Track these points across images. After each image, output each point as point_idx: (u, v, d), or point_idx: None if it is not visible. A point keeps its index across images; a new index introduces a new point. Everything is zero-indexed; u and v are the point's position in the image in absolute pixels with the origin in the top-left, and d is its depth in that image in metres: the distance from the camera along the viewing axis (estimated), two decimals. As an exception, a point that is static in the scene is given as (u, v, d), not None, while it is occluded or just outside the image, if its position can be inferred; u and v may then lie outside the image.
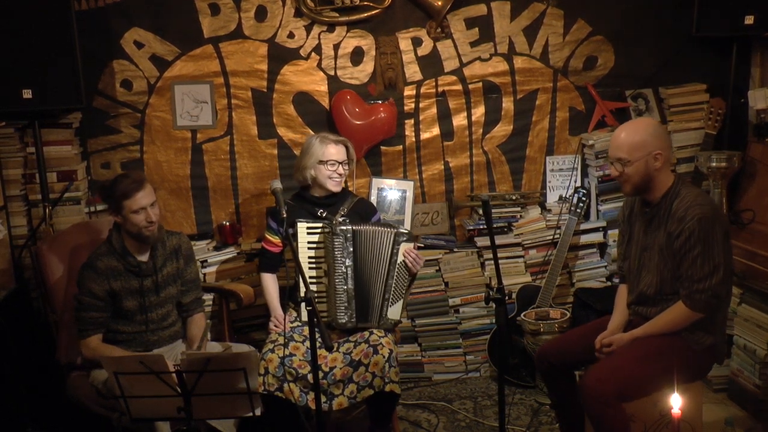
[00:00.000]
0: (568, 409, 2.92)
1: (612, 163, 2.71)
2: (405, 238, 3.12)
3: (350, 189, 3.89)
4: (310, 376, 2.85)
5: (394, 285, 3.12)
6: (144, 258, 2.99)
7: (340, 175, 3.23)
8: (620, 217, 2.97)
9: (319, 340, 2.45)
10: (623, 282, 2.94)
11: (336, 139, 3.27)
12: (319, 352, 2.76)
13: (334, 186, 3.23)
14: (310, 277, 3.11)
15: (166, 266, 3.04)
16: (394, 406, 3.14)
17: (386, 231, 3.11)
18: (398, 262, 3.11)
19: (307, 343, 2.97)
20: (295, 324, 3.16)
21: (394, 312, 3.15)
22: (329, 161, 3.20)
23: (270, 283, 3.30)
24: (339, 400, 2.94)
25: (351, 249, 3.09)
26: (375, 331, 3.07)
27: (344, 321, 3.10)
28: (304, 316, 3.01)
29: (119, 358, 2.46)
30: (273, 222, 3.29)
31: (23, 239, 3.56)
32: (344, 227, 3.08)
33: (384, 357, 2.92)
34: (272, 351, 2.94)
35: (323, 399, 2.91)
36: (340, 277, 3.08)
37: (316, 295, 3.09)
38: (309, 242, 3.13)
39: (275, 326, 3.14)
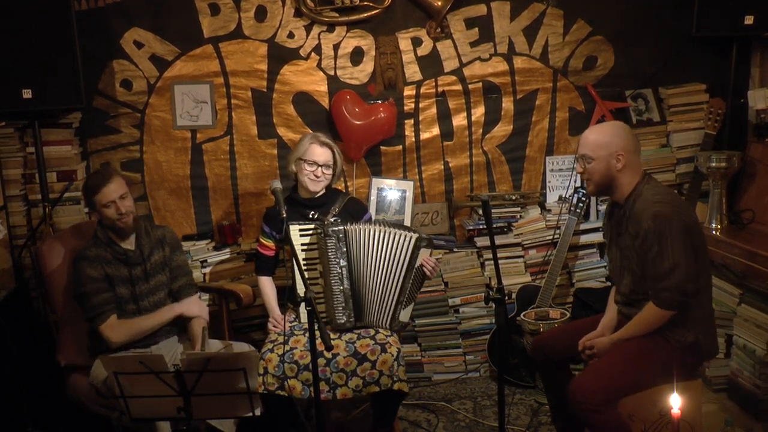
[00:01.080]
0: (565, 408, 2.92)
1: (578, 160, 2.78)
2: (425, 244, 3.10)
3: (350, 189, 3.89)
4: None
5: (409, 289, 3.11)
6: (130, 246, 3.03)
7: (317, 177, 3.21)
8: (603, 221, 3.00)
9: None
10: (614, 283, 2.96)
11: (323, 141, 3.24)
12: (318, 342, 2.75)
13: (311, 185, 3.22)
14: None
15: (153, 254, 3.08)
16: (398, 405, 3.14)
17: (406, 234, 3.09)
18: (416, 266, 3.10)
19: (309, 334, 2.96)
20: (294, 323, 3.16)
21: (405, 315, 3.15)
22: (308, 161, 3.20)
23: (267, 285, 3.30)
24: (342, 390, 2.92)
25: (344, 249, 3.08)
26: (381, 330, 3.08)
27: (343, 321, 3.09)
28: (304, 318, 3.01)
29: (119, 357, 2.46)
30: (266, 226, 3.29)
31: (23, 239, 3.56)
32: (336, 228, 3.08)
33: (392, 356, 2.92)
34: (271, 351, 2.94)
35: (326, 388, 2.91)
36: (336, 277, 3.07)
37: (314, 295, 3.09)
38: (302, 244, 3.13)
39: (274, 326, 3.15)
